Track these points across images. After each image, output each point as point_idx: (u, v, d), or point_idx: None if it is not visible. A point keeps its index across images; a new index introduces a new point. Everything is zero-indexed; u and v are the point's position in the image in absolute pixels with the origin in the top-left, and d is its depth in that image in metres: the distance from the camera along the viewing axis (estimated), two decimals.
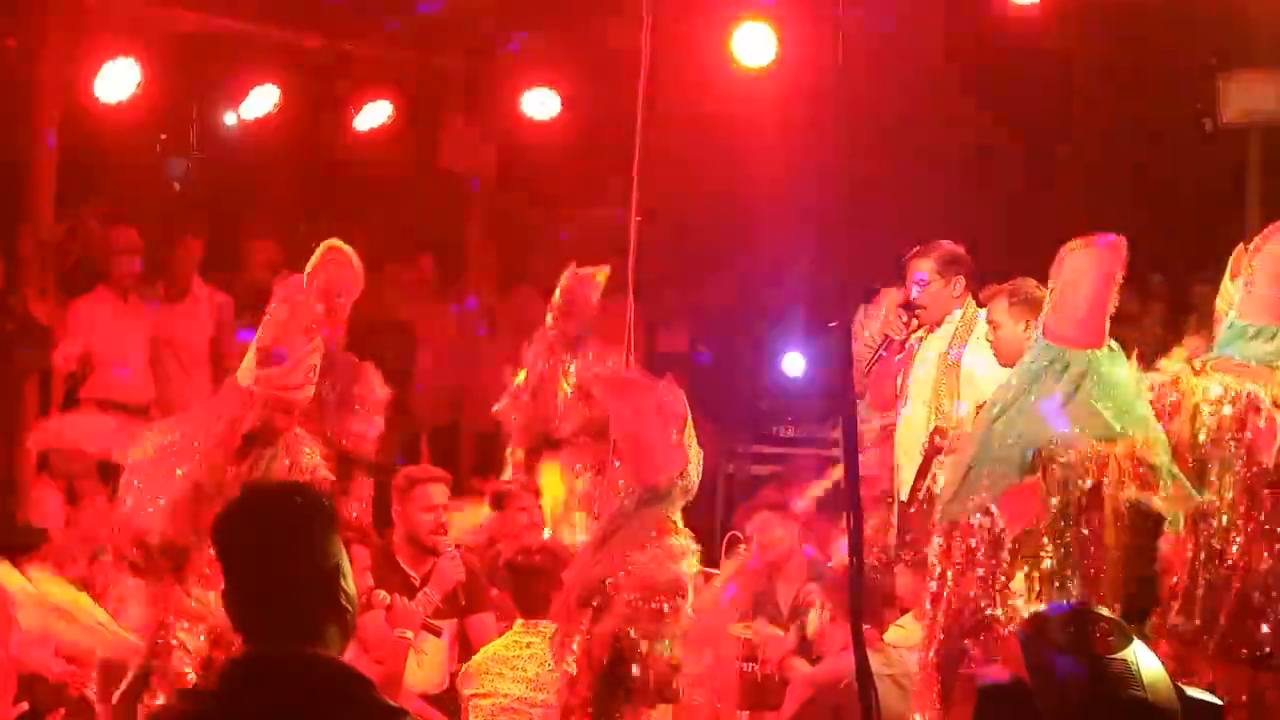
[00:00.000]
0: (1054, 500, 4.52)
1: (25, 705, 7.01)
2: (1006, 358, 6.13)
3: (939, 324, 6.91)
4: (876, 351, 6.90)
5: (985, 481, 4.58)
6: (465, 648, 6.40)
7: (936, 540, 4.71)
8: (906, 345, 7.00)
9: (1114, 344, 4.80)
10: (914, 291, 6.88)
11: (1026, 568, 4.50)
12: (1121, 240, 4.87)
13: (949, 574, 4.61)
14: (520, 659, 5.35)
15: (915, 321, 6.91)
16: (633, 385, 5.17)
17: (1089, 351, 4.68)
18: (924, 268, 6.89)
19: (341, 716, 2.73)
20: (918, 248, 7.03)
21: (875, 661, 5.22)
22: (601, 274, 7.99)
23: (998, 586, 4.48)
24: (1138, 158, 9.28)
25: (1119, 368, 4.75)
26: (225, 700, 2.77)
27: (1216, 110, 8.81)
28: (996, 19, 8.32)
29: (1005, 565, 4.50)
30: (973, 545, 4.55)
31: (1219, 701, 3.58)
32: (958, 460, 4.85)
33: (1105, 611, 3.49)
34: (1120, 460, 4.52)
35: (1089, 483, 4.51)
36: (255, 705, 2.73)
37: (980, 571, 4.53)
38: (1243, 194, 9.41)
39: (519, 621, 5.50)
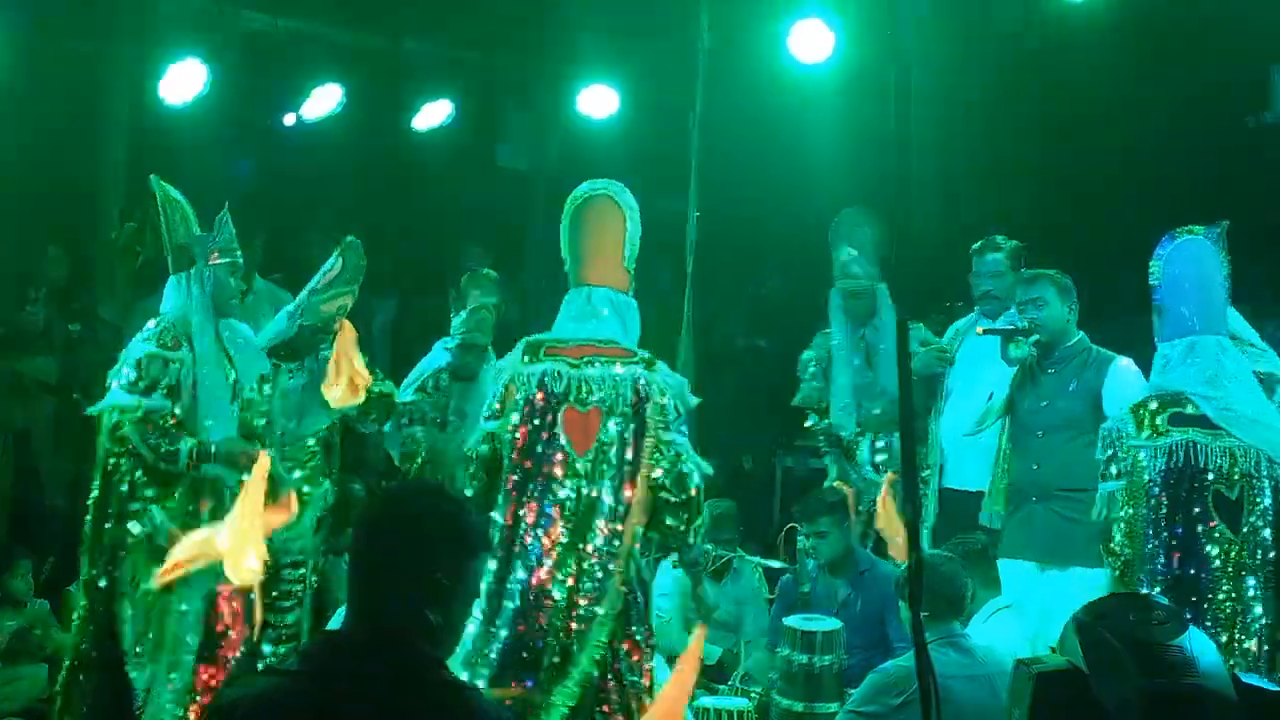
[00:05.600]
0: None
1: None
2: (1049, 335, 6.33)
3: (998, 315, 7.05)
4: None
5: None
6: None
7: None
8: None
9: None
10: (988, 282, 7.06)
11: None
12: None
13: None
14: None
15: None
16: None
17: None
18: (998, 260, 7.07)
19: (411, 692, 2.83)
20: (982, 242, 7.17)
21: (956, 664, 5.26)
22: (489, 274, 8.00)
23: None
24: (1190, 151, 9.24)
25: None
26: (304, 677, 2.87)
27: (1271, 102, 8.79)
28: (1046, 15, 8.34)
29: None
30: None
31: (1277, 688, 3.61)
32: None
33: (1162, 599, 3.53)
34: None
35: None
36: (330, 681, 2.83)
37: None
38: None
39: None
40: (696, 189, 6.67)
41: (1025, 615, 6.13)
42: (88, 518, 6.00)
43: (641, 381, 5.18)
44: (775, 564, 7.50)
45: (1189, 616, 4.71)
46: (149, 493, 5.95)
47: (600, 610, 5.03)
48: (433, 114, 10.26)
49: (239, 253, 6.29)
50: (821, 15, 8.58)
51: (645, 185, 10.08)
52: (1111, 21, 8.17)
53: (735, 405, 10.31)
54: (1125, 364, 6.25)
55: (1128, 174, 9.25)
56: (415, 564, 2.92)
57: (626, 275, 5.36)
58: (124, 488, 5.94)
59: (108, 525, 5.94)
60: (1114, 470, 5.16)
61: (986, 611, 6.12)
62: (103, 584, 5.91)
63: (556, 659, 5.03)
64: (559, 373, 5.17)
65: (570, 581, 5.06)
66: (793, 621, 6.24)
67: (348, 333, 6.97)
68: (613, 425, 5.13)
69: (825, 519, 7.03)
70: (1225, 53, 8.61)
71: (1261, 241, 9.08)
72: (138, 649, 5.85)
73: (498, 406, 5.23)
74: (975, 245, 7.26)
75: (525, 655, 5.04)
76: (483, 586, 5.04)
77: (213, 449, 5.93)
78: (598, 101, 10.13)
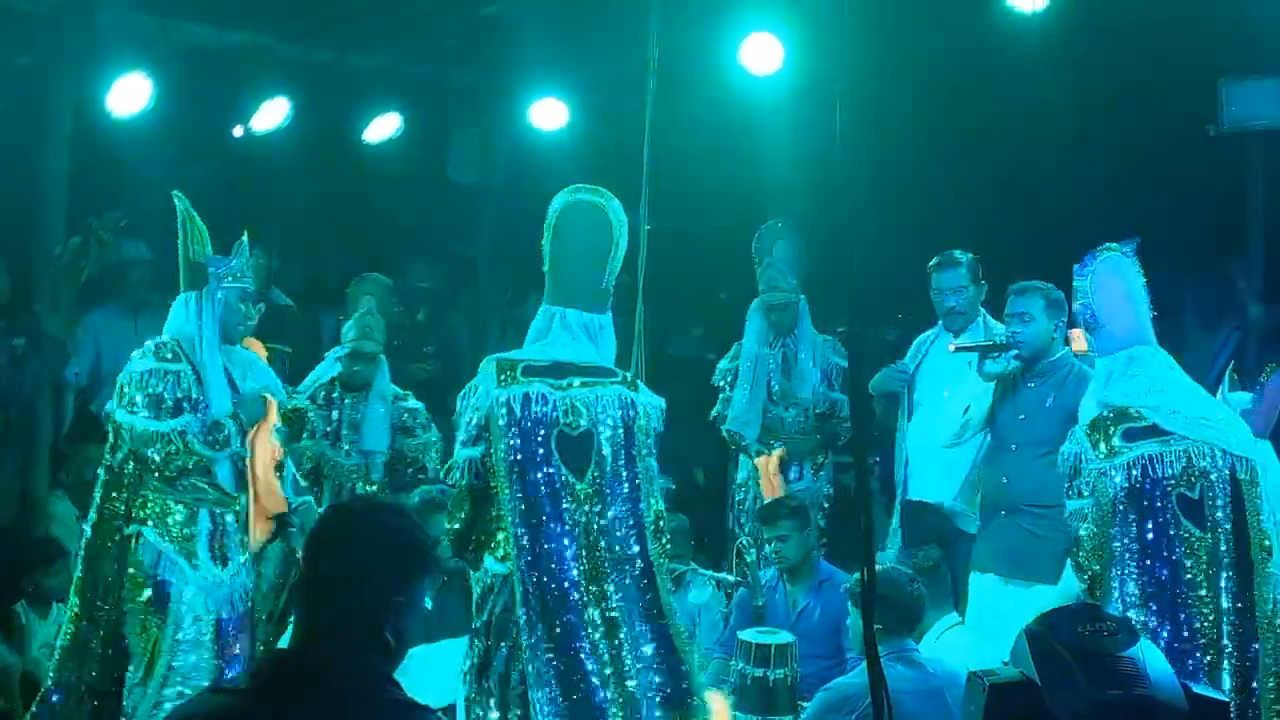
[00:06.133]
0: None
1: None
2: (1030, 350, 6.36)
3: (963, 329, 7.09)
4: None
5: None
6: None
7: None
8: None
9: None
10: (951, 299, 7.08)
11: None
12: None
13: None
14: None
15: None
16: None
17: None
18: (959, 275, 7.08)
19: (362, 710, 2.80)
20: (940, 258, 7.18)
21: (907, 678, 5.26)
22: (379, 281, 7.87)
23: None
24: (1140, 163, 9.32)
25: None
26: (252, 695, 2.84)
27: (1219, 116, 8.87)
28: (1000, 26, 8.38)
29: None
30: None
31: (1225, 699, 3.63)
32: None
33: (1113, 611, 3.54)
34: None
35: None
36: (280, 700, 2.80)
37: None
38: (1244, 200, 9.47)
39: None
40: (648, 201, 6.65)
41: (983, 629, 6.16)
42: (84, 544, 5.88)
43: (627, 401, 5.02)
44: (728, 577, 7.49)
45: (1172, 621, 4.92)
46: (144, 513, 5.85)
47: (647, 649, 4.94)
48: (382, 127, 10.22)
49: (251, 279, 6.18)
50: (771, 28, 8.61)
51: None
52: (1063, 32, 8.23)
53: (688, 418, 10.31)
54: None
55: (1081, 187, 9.33)
56: (372, 582, 2.89)
57: (605, 295, 5.14)
58: (121, 510, 5.84)
59: (112, 551, 5.83)
60: (1077, 489, 5.25)
61: (939, 629, 6.13)
62: (112, 615, 5.80)
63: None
64: (544, 395, 4.94)
65: (601, 616, 4.89)
66: (746, 635, 6.22)
67: (255, 352, 6.71)
68: (607, 448, 4.96)
69: (786, 522, 7.04)
70: (1178, 65, 8.69)
71: (1209, 258, 9.21)
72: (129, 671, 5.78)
73: (476, 432, 4.94)
74: (932, 262, 7.25)
75: (576, 698, 4.83)
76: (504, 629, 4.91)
77: (242, 418, 5.95)
78: (548, 114, 10.13)
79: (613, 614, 4.92)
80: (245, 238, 6.14)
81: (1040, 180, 9.48)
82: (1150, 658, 3.28)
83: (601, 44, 9.19)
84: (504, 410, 4.92)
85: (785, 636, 6.20)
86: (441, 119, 10.87)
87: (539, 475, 4.90)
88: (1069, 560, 5.37)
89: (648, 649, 4.97)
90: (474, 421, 4.97)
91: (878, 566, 5.78)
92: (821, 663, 6.55)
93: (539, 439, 4.92)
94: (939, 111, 9.55)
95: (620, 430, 5.01)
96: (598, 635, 4.90)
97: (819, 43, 7.72)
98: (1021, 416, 6.43)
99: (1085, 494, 5.20)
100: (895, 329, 8.94)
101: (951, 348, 6.90)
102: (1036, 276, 6.65)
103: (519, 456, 4.90)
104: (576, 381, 5.00)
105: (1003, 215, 9.46)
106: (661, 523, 5.15)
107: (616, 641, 4.91)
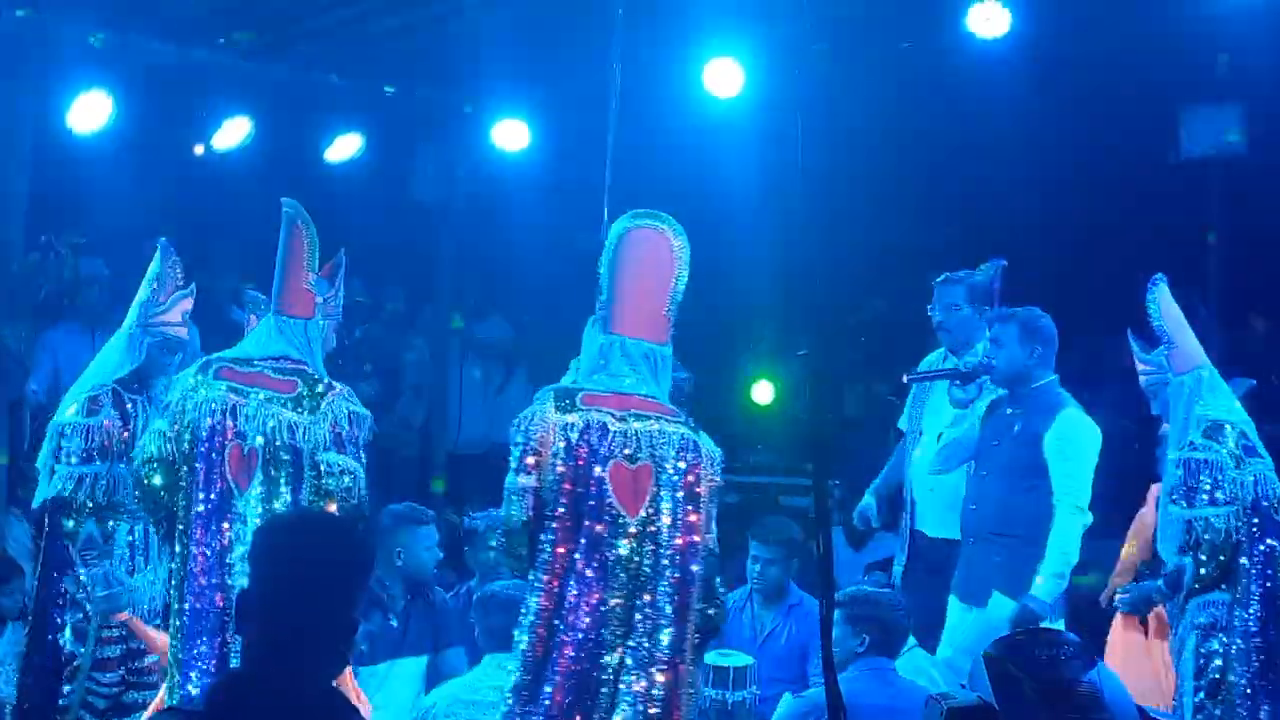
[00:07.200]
0: None
1: None
2: (1001, 377, 6.44)
3: (959, 351, 7.06)
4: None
5: None
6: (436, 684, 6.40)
7: None
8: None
9: None
10: (940, 314, 7.04)
11: None
12: None
13: None
14: (480, 702, 5.22)
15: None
16: None
17: None
18: (954, 293, 7.04)
19: None
20: (946, 275, 7.16)
21: (879, 694, 5.28)
22: None
23: None
24: (1101, 189, 9.39)
25: None
26: (210, 718, 2.80)
27: (1178, 143, 8.94)
28: (961, 52, 8.43)
29: None
30: None
31: None
32: None
33: (1071, 635, 3.55)
34: None
35: None
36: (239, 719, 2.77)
37: None
38: (1204, 226, 9.55)
39: (487, 658, 5.50)
40: (610, 223, 6.66)
41: (949, 652, 6.21)
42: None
43: (691, 444, 4.77)
44: None
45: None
46: None
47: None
48: (344, 147, 10.21)
49: (341, 309, 5.78)
50: (733, 54, 8.64)
51: (559, 219, 10.13)
52: (1024, 57, 8.28)
53: None
54: (1072, 413, 6.30)
55: (1042, 212, 9.38)
56: (321, 597, 2.87)
57: (666, 323, 4.94)
58: None
59: None
60: (1211, 495, 5.41)
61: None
62: None
63: None
64: (604, 425, 4.71)
65: (620, 660, 4.67)
66: (707, 656, 6.20)
67: None
68: (665, 487, 4.72)
69: (782, 548, 7.02)
70: (1138, 92, 8.76)
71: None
72: None
73: (531, 460, 4.69)
74: (938, 278, 7.23)
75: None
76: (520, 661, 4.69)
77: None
78: (510, 135, 10.14)
79: (631, 660, 4.70)
80: (344, 258, 5.80)
81: (1001, 205, 9.53)
82: (1107, 682, 3.29)
83: (564, 66, 9.21)
84: (561, 437, 4.71)
85: (745, 659, 6.17)
86: (404, 139, 10.85)
87: (588, 507, 4.69)
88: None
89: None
90: (530, 449, 4.73)
91: (872, 589, 5.89)
92: (785, 686, 6.53)
93: (593, 470, 4.70)
94: (900, 134, 9.59)
95: (683, 473, 4.75)
96: (607, 676, 4.69)
97: (782, 67, 7.74)
98: (995, 442, 6.46)
99: (1222, 501, 5.38)
100: (858, 351, 8.96)
101: (905, 379, 6.92)
102: (997, 301, 6.68)
103: (569, 486, 4.70)
104: (639, 415, 4.78)
105: (963, 240, 9.50)
106: (716, 579, 4.92)
107: (634, 688, 4.70)
